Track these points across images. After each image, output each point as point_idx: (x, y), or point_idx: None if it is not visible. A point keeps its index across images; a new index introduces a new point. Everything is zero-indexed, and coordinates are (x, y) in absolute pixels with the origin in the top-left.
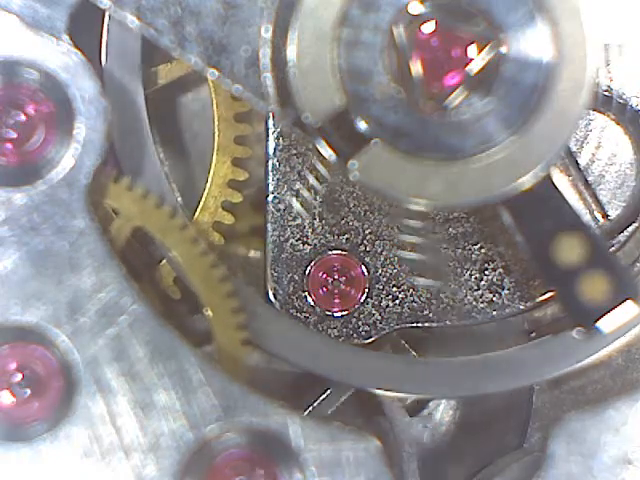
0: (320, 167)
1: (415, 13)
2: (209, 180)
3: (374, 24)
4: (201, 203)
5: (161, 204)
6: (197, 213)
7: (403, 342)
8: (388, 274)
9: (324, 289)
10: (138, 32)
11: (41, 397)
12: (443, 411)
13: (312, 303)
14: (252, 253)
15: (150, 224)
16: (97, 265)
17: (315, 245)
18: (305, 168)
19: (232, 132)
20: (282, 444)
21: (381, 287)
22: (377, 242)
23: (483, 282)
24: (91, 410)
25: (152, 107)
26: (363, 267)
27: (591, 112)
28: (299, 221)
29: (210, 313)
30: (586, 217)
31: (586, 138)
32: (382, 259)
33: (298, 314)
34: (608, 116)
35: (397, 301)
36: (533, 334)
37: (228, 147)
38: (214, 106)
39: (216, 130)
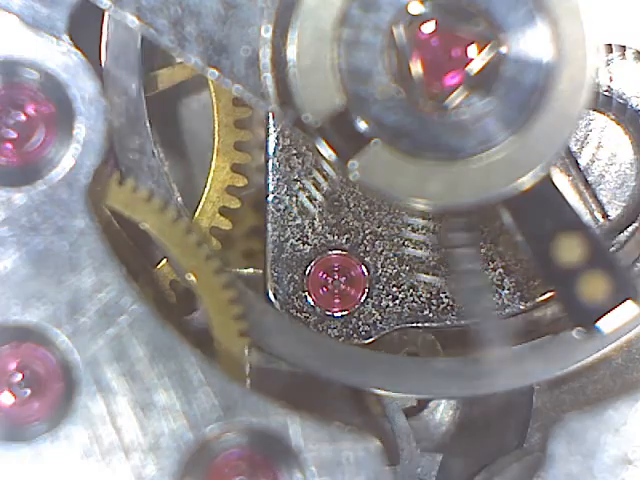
0: (317, 175)
1: (415, 13)
2: (208, 185)
3: (374, 24)
4: (199, 208)
5: (162, 204)
6: (195, 218)
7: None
8: (388, 274)
9: (324, 289)
10: (138, 32)
11: (41, 397)
12: (443, 411)
13: (312, 303)
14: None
15: (149, 223)
16: (97, 265)
17: (315, 245)
18: (305, 168)
19: (232, 138)
20: (282, 444)
21: (381, 287)
22: (377, 242)
23: None
24: (91, 410)
25: (152, 107)
26: (363, 267)
27: (591, 112)
28: (299, 221)
29: (193, 278)
30: (586, 217)
31: (586, 138)
32: (382, 259)
33: (298, 314)
34: (608, 116)
35: (397, 301)
36: (533, 334)
37: (228, 153)
38: (214, 111)
39: (216, 135)
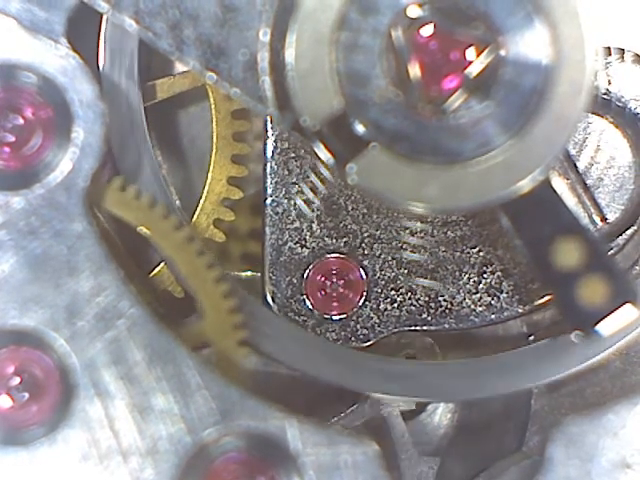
0: (315, 175)
1: (413, 16)
2: (203, 197)
3: (373, 27)
4: (194, 219)
5: (163, 210)
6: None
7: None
8: (386, 277)
9: (322, 292)
10: (136, 36)
11: (39, 401)
12: (442, 414)
13: (310, 306)
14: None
15: (146, 225)
16: (95, 269)
17: (313, 248)
18: (303, 171)
19: (230, 150)
20: (280, 448)
21: (379, 290)
22: (375, 245)
23: (481, 285)
24: (89, 414)
25: (151, 111)
26: (361, 270)
27: (590, 115)
28: (297, 224)
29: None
30: (585, 220)
31: (585, 141)
32: (380, 262)
33: (296, 317)
34: (607, 119)
35: (395, 304)
36: (532, 337)
37: (225, 165)
38: (214, 124)
39: (214, 148)
